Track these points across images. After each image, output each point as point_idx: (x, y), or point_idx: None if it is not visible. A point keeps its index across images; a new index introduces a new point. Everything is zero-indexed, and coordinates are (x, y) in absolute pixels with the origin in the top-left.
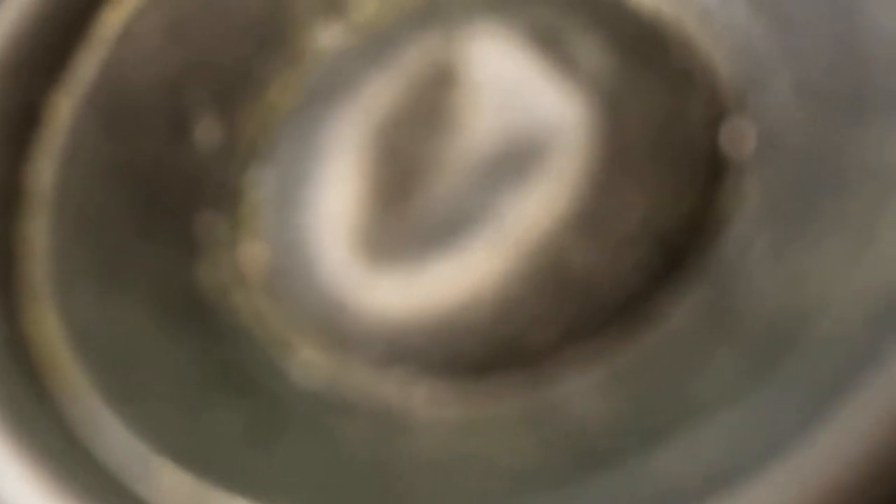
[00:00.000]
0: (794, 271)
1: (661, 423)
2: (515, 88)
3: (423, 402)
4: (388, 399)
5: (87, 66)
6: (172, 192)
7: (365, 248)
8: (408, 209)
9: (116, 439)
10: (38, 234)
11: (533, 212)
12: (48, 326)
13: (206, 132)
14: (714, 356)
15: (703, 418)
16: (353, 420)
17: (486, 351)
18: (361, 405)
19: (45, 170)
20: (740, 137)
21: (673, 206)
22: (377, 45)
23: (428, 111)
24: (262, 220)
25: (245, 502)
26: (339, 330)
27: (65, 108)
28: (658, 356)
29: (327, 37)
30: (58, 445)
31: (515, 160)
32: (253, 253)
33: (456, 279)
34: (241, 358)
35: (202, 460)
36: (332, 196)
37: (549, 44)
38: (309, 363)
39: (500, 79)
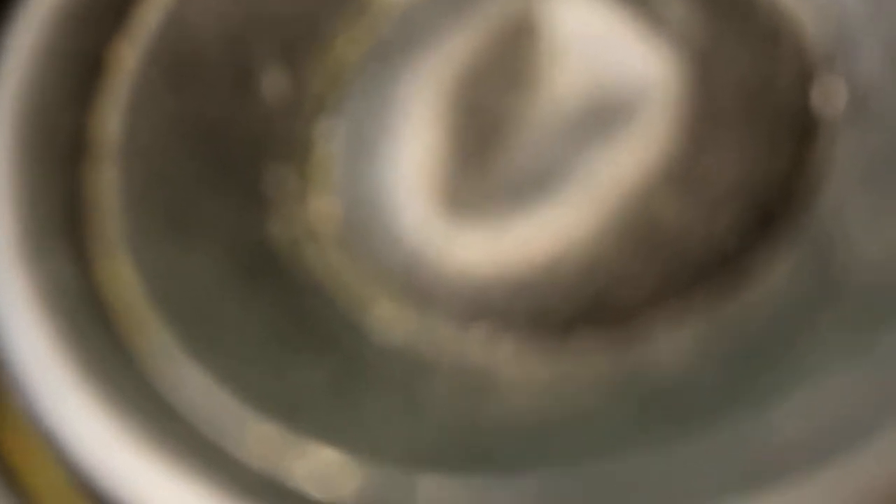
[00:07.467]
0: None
1: (765, 383)
2: (601, 43)
3: (508, 359)
4: (471, 356)
5: (152, 15)
6: (239, 144)
7: (446, 202)
8: (490, 164)
9: (201, 393)
10: (107, 185)
11: (622, 167)
12: (124, 280)
13: (273, 85)
14: (815, 317)
15: (813, 379)
16: (437, 377)
17: (572, 308)
18: (444, 362)
19: (110, 120)
20: (831, 96)
21: (765, 163)
22: None
23: (510, 66)
24: (333, 173)
25: (334, 453)
26: (419, 285)
27: (129, 58)
28: (754, 316)
29: None
30: (142, 401)
31: (602, 116)
32: (324, 206)
33: (542, 234)
34: (318, 312)
35: (287, 412)
36: (410, 150)
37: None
38: (387, 319)
39: (584, 33)
